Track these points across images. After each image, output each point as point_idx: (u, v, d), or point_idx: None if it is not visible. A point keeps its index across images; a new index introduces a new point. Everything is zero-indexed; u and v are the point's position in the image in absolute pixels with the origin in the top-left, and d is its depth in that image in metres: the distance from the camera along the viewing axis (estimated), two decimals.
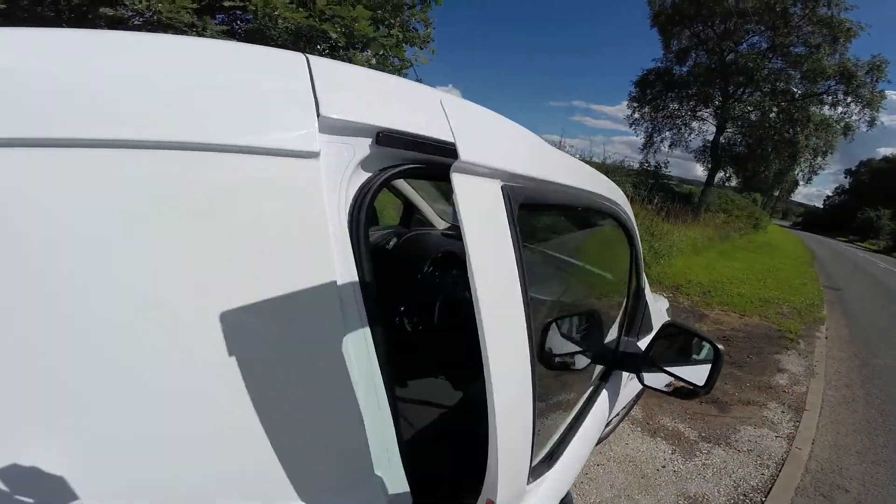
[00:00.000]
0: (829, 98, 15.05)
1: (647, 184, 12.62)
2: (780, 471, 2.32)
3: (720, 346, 1.05)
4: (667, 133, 17.85)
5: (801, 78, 14.85)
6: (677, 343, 1.19)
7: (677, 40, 16.47)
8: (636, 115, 18.27)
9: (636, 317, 1.50)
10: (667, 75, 17.07)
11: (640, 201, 10.78)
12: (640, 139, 18.49)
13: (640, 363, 1.18)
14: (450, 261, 1.81)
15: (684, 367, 1.11)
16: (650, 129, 18.02)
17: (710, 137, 17.15)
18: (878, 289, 10.82)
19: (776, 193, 23.04)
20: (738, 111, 15.70)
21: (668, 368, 1.12)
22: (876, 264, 17.61)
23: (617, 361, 1.24)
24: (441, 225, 2.52)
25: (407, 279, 1.81)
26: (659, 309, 1.95)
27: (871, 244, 28.07)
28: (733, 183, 19.10)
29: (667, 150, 18.09)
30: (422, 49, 3.97)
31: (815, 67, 14.21)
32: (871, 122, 14.88)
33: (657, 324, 1.70)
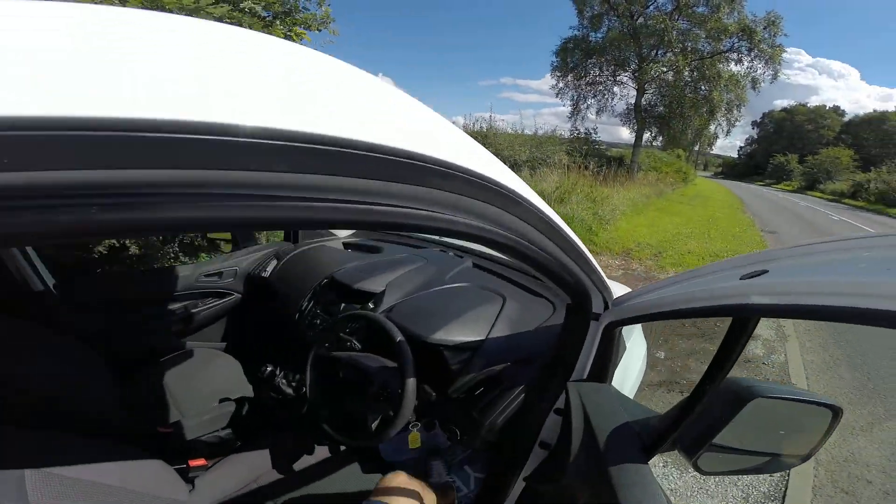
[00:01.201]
0: (735, 55, 15.81)
1: (581, 150, 12.56)
2: None
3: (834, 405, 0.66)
4: (592, 100, 18.14)
5: (706, 37, 15.40)
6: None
7: (589, 7, 16.62)
8: (560, 85, 18.45)
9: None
10: (584, 43, 17.27)
11: (577, 168, 10.65)
12: (567, 108, 18.65)
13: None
14: (338, 291, 1.45)
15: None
16: (576, 97, 18.26)
17: (633, 100, 17.54)
18: (805, 226, 11.60)
19: (696, 148, 24.28)
20: (654, 72, 16.15)
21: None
22: (797, 204, 19.05)
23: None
24: (343, 232, 2.17)
25: (281, 321, 1.60)
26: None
27: (786, 185, 30.42)
28: (658, 143, 19.70)
29: (594, 116, 18.35)
30: (319, 31, 3.36)
31: (717, 26, 14.81)
32: (775, 75, 15.77)
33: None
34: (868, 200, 20.20)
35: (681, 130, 16.98)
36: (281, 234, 2.30)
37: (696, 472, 0.80)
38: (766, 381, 0.90)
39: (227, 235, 2.18)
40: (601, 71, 17.63)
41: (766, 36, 15.23)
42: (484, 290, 1.32)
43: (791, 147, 34.50)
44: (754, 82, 16.17)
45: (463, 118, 11.19)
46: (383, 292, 1.34)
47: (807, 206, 17.85)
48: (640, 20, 15.89)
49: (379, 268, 1.48)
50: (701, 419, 0.63)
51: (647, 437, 0.69)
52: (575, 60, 17.62)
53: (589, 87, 17.99)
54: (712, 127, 17.91)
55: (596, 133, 17.73)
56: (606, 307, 0.85)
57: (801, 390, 1.06)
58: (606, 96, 17.96)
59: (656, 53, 16.24)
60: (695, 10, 15.17)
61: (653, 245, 7.01)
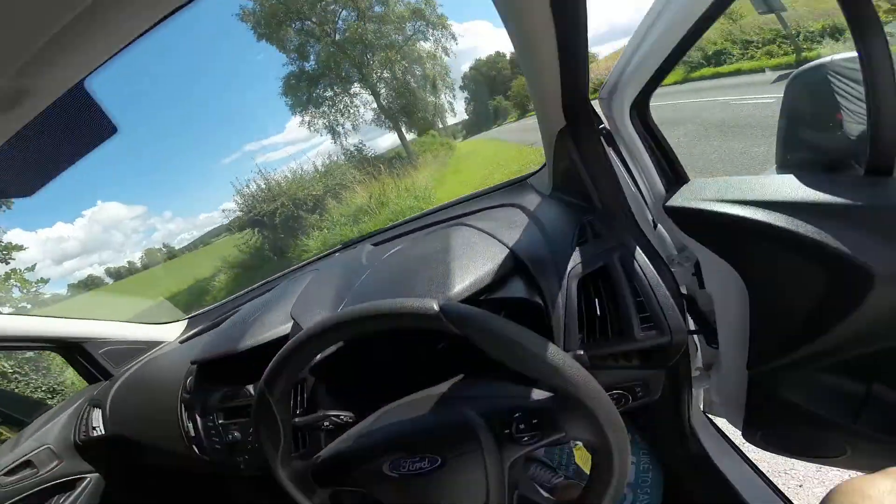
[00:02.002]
0: (420, 35, 18.06)
1: (371, 162, 13.07)
2: None
3: None
4: (343, 119, 18.60)
5: (394, 29, 17.36)
6: None
7: (288, 41, 16.92)
8: (308, 119, 18.41)
9: None
10: (303, 74, 17.54)
11: (374, 177, 10.92)
12: (325, 138, 18.81)
13: None
14: (224, 371, 1.10)
15: None
16: (328, 123, 18.46)
17: (375, 106, 18.77)
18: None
19: (440, 125, 27.52)
20: (376, 74, 17.49)
21: None
22: (528, 123, 23.31)
23: None
24: (172, 332, 1.75)
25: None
26: None
27: (511, 119, 37.12)
28: (410, 135, 21.61)
29: (352, 132, 18.95)
30: None
31: (396, 16, 16.76)
32: (454, 38, 18.72)
33: None
34: None
35: (423, 110, 18.94)
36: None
37: None
38: None
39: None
40: (334, 91, 18.20)
41: (430, 11, 17.85)
42: (438, 236, 1.09)
43: (494, 92, 41.95)
44: (445, 50, 18.94)
45: (234, 187, 10.24)
46: (296, 325, 0.97)
47: (532, 123, 22.26)
48: (338, 36, 16.96)
49: (245, 319, 1.16)
50: None
51: None
52: (306, 93, 17.80)
53: (332, 109, 18.45)
54: (442, 98, 20.47)
55: (364, 145, 18.46)
56: None
57: None
58: (352, 110, 18.71)
59: (368, 58, 17.59)
60: (374, 10, 16.89)
61: (475, 188, 7.71)
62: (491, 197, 1.34)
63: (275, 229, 9.28)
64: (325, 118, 18.43)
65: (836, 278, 0.59)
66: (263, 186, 9.90)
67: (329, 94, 18.21)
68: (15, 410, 1.58)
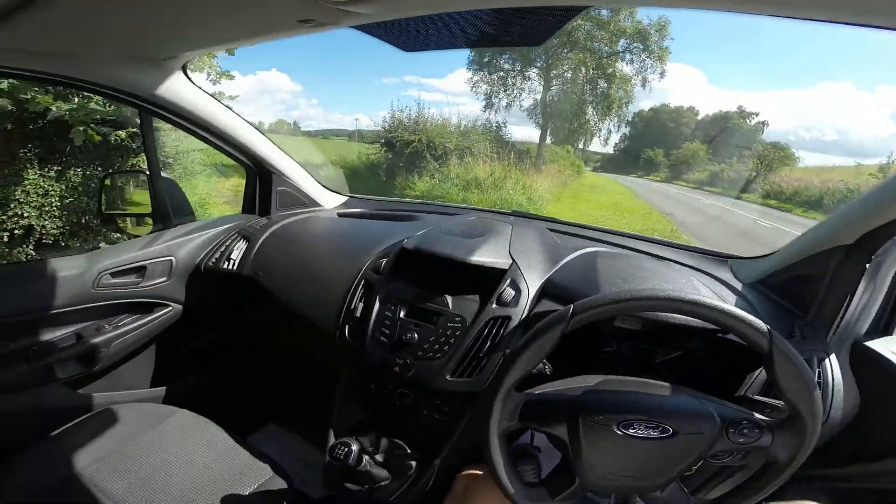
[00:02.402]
0: (628, 55, 17.46)
1: (504, 145, 13.22)
2: None
3: None
4: (503, 94, 18.84)
5: (607, 38, 16.91)
6: None
7: None
8: (475, 79, 18.97)
9: None
10: None
11: (498, 158, 11.11)
12: (480, 102, 19.24)
13: None
14: (430, 272, 1.07)
15: None
16: (489, 91, 18.81)
17: (538, 96, 18.73)
18: (691, 209, 13.54)
19: (581, 145, 26.70)
20: (560, 69, 17.49)
21: None
22: (671, 190, 21.98)
23: None
24: (331, 201, 1.73)
25: (297, 341, 1.31)
26: None
27: (654, 177, 34.90)
28: (549, 139, 21.29)
29: (504, 109, 19.14)
30: None
31: (617, 28, 16.38)
32: (662, 74, 17.87)
33: None
34: (723, 188, 24.23)
35: (578, 125, 18.56)
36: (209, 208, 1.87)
37: None
38: None
39: (146, 205, 1.38)
40: (512, 66, 18.40)
41: (657, 38, 17.06)
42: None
43: (658, 142, 39.49)
44: (644, 81, 18.13)
45: (391, 108, 11.01)
46: (515, 265, 1.03)
47: (678, 193, 20.86)
48: None
49: (467, 234, 1.14)
50: None
51: None
52: (490, 55, 18.16)
53: (500, 81, 18.68)
54: (605, 123, 19.81)
55: (506, 126, 18.61)
56: None
57: None
58: (515, 91, 18.83)
59: (564, 52, 17.44)
60: (600, 13, 16.56)
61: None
62: (682, 253, 1.28)
63: (399, 156, 9.94)
64: (490, 85, 18.82)
65: None
66: (414, 118, 10.49)
67: (508, 66, 18.44)
68: (173, 210, 1.36)
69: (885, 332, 0.95)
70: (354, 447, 0.89)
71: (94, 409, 1.08)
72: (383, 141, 10.66)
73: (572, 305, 0.68)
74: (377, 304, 1.02)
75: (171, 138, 4.94)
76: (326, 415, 1.06)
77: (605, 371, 0.76)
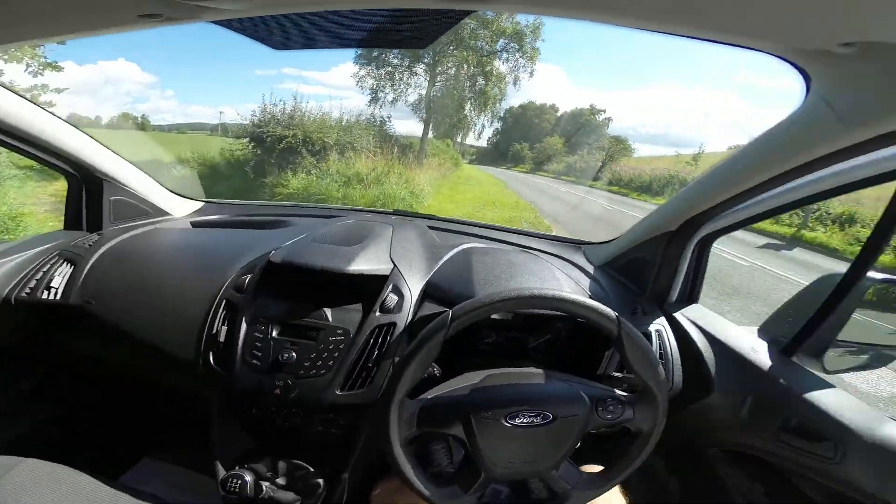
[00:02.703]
0: (505, 54, 18.60)
1: (388, 140, 13.10)
2: None
3: None
4: (389, 89, 18.82)
5: (490, 36, 17.76)
6: None
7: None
8: (362, 73, 18.68)
9: None
10: None
11: (381, 153, 11.05)
12: (365, 97, 19.04)
13: None
14: (305, 287, 1.02)
15: None
16: (375, 86, 18.65)
17: (424, 91, 19.11)
18: (547, 196, 15.07)
19: (459, 139, 28.04)
20: (445, 66, 18.10)
21: None
22: (537, 181, 24.30)
23: None
24: (182, 208, 1.56)
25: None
26: None
27: (521, 168, 38.10)
28: (431, 133, 21.95)
29: (390, 104, 19.07)
30: None
31: (499, 28, 17.32)
32: (532, 74, 19.35)
33: None
34: (576, 177, 27.50)
35: (458, 120, 19.39)
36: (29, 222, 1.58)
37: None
38: None
39: None
40: (401, 61, 18.44)
41: (531, 39, 18.32)
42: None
43: (524, 137, 42.95)
44: (516, 80, 19.38)
45: (263, 101, 10.11)
46: (396, 270, 1.03)
47: (543, 183, 23.24)
48: None
49: (344, 241, 1.11)
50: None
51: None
52: (378, 50, 17.84)
53: (388, 77, 18.59)
54: (481, 118, 20.97)
55: (390, 121, 18.57)
56: None
57: None
58: (402, 86, 18.89)
59: (450, 49, 17.97)
60: (486, 13, 17.32)
61: (463, 217, 8.07)
62: (544, 242, 1.44)
63: (270, 153, 9.17)
64: (377, 80, 18.66)
65: None
66: (289, 112, 9.78)
67: (396, 62, 18.50)
68: None
69: (690, 300, 1.19)
70: (248, 478, 0.86)
71: None
72: (252, 136, 9.78)
73: (450, 312, 0.72)
74: (244, 326, 0.93)
75: None
76: (208, 443, 0.97)
77: (486, 361, 0.83)
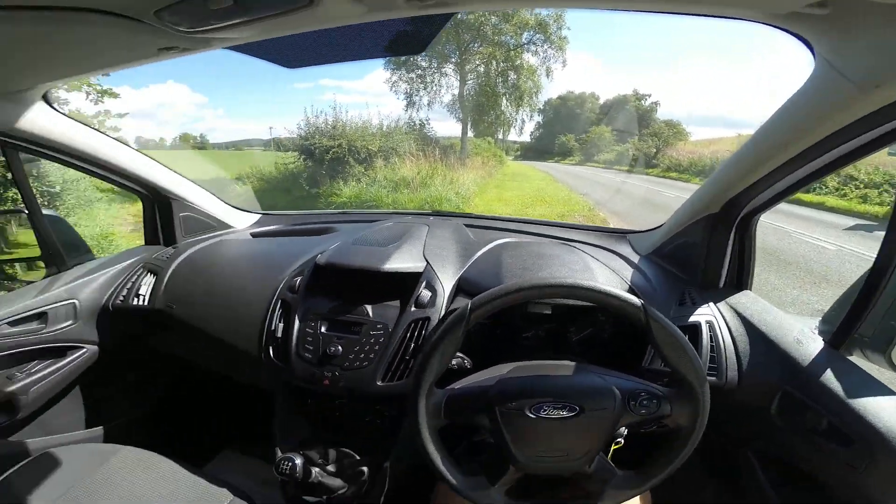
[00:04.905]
0: (533, 46, 18.33)
1: (429, 142, 13.24)
2: None
3: None
4: (423, 91, 19.02)
5: (512, 31, 17.58)
6: None
7: None
8: (394, 78, 18.98)
9: None
10: None
11: (424, 156, 11.14)
12: (401, 102, 19.36)
13: None
14: (346, 285, 1.09)
15: None
16: (409, 90, 18.86)
17: (457, 91, 19.07)
18: (600, 187, 14.50)
19: (500, 136, 27.74)
20: (472, 63, 17.94)
21: None
22: (586, 172, 23.50)
23: None
24: (242, 221, 1.71)
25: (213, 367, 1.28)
26: None
27: (569, 161, 37.04)
28: (471, 132, 21.86)
29: (426, 107, 19.26)
30: None
31: (520, 21, 17.01)
32: (564, 63, 18.90)
33: None
34: (630, 165, 26.29)
35: (496, 117, 19.16)
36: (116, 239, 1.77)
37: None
38: None
39: (34, 249, 1.30)
40: (429, 63, 18.58)
41: (555, 28, 18.05)
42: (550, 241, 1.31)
43: (568, 128, 41.86)
44: (548, 71, 19.12)
45: (305, 114, 10.59)
46: (429, 267, 1.07)
47: (593, 173, 22.40)
48: (461, 16, 17.23)
49: (381, 242, 1.17)
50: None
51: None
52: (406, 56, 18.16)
53: (419, 79, 18.77)
54: (519, 113, 20.64)
55: (429, 123, 18.73)
56: None
57: None
58: (434, 87, 19.05)
59: (475, 46, 17.91)
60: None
61: (512, 215, 7.90)
62: (586, 234, 1.40)
63: (321, 164, 9.56)
64: (409, 84, 18.93)
65: None
66: (331, 123, 10.15)
67: (424, 64, 18.61)
68: (65, 248, 1.31)
69: (739, 286, 1.05)
70: (298, 461, 0.92)
71: (31, 455, 1.02)
72: (302, 149, 10.21)
73: (469, 303, 0.71)
74: (297, 323, 1.02)
75: (54, 165, 4.35)
76: (273, 434, 1.06)
77: (527, 355, 0.80)
